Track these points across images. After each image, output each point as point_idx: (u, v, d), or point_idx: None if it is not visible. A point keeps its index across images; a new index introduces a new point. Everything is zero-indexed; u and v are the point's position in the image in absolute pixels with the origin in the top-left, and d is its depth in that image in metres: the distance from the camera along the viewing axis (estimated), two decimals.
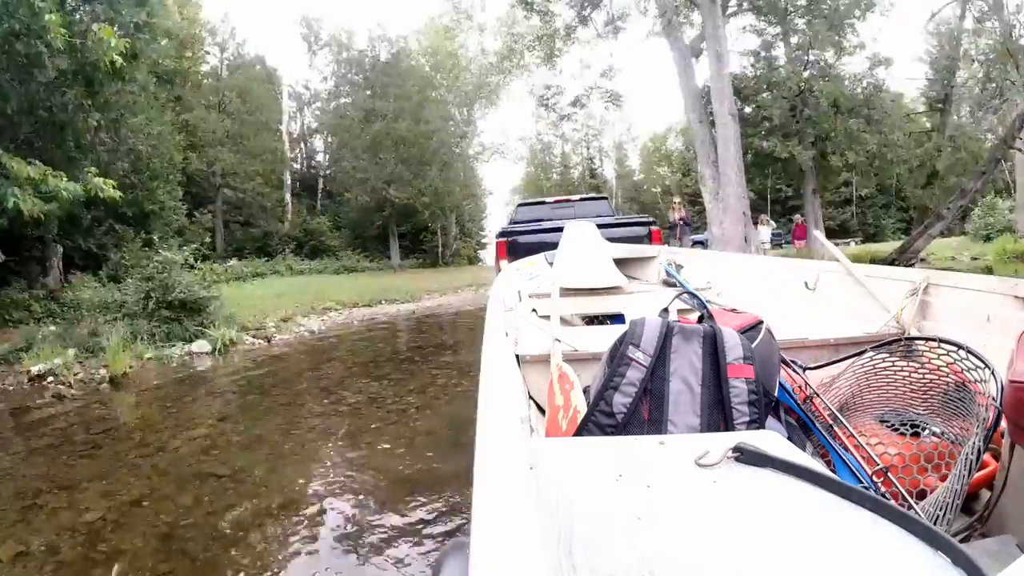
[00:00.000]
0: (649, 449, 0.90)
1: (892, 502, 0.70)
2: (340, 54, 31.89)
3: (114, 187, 8.79)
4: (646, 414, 1.22)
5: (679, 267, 3.88)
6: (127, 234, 15.57)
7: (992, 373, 1.22)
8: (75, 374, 6.56)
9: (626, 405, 1.23)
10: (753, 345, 1.28)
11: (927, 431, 1.22)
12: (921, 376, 1.42)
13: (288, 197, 30.20)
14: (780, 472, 0.78)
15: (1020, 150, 16.44)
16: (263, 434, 4.29)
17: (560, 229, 4.54)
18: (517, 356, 1.65)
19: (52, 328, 8.21)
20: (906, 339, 1.56)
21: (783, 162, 19.34)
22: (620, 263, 3.95)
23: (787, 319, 2.18)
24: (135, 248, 14.08)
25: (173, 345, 8.10)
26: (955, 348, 1.35)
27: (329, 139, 33.29)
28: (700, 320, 1.45)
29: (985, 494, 1.18)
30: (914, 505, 1.12)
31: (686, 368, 1.25)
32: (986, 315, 1.75)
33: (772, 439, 0.91)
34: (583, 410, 1.28)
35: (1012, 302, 1.67)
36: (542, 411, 1.58)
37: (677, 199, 16.49)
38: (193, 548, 2.59)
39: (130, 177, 15.70)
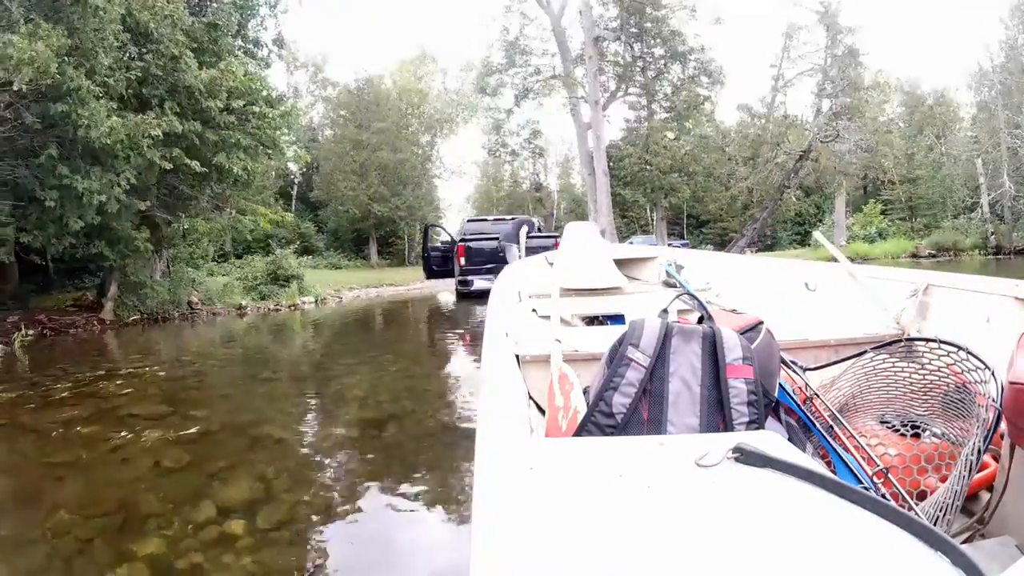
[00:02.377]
0: (649, 449, 0.90)
1: (892, 503, 0.70)
2: (325, 89, 38.93)
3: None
4: (645, 414, 1.22)
5: (679, 267, 3.88)
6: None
7: (992, 374, 1.22)
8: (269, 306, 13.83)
9: (625, 405, 1.23)
10: (753, 346, 1.28)
11: (927, 432, 1.22)
12: (921, 377, 1.42)
13: (292, 208, 35.32)
14: (780, 473, 0.78)
15: (791, 194, 28.22)
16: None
17: (496, 238, 7.32)
18: (517, 356, 1.65)
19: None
20: (906, 340, 1.56)
21: (634, 202, 30.85)
22: (620, 263, 3.95)
23: (787, 320, 2.18)
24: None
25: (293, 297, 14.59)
26: (955, 349, 1.35)
27: (319, 163, 37.46)
28: (700, 321, 1.46)
29: (985, 495, 1.18)
30: (914, 506, 1.12)
31: (685, 368, 1.25)
32: (986, 316, 1.75)
33: (772, 440, 0.91)
34: (583, 411, 1.28)
35: (1012, 303, 1.67)
36: (542, 411, 1.58)
37: None
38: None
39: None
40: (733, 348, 1.25)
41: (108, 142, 8.95)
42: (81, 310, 11.41)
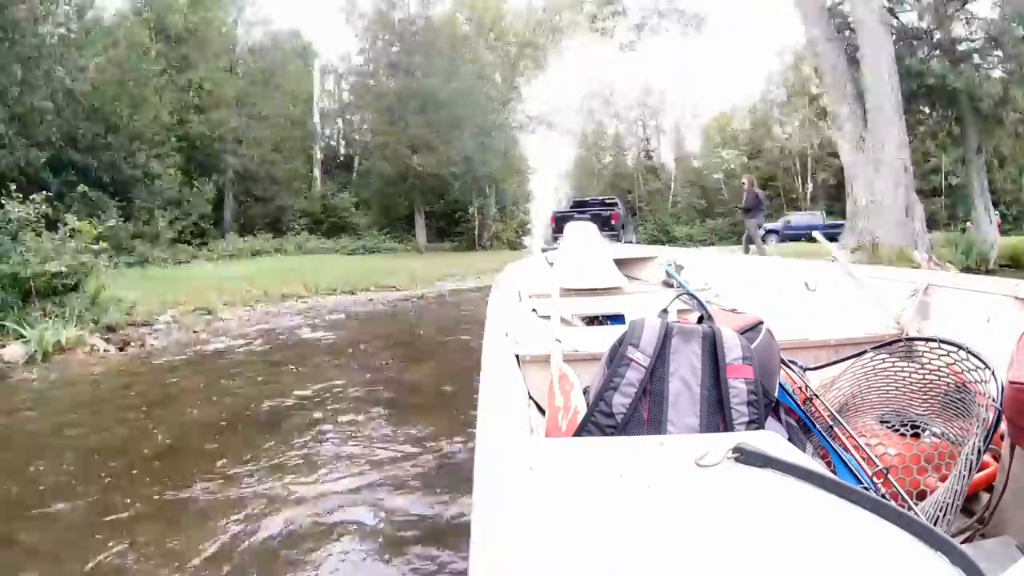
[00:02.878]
0: (649, 449, 0.90)
1: (892, 503, 0.71)
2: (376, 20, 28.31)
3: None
4: (645, 414, 1.22)
5: (679, 268, 3.87)
6: (104, 202, 14.58)
7: (992, 374, 1.22)
8: None
9: (625, 406, 1.23)
10: (753, 346, 1.28)
11: (927, 432, 1.22)
12: (921, 377, 1.42)
13: (317, 172, 27.51)
14: (780, 473, 0.78)
15: None
16: None
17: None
18: (517, 356, 1.65)
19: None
20: (906, 340, 1.56)
21: (946, 100, 13.31)
22: (620, 263, 3.96)
23: (787, 319, 2.19)
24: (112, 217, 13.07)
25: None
26: (955, 349, 1.36)
27: (366, 114, 28.98)
28: (700, 321, 1.45)
29: (985, 495, 1.18)
30: (913, 506, 1.12)
31: (685, 368, 1.25)
32: (986, 316, 1.75)
33: (772, 440, 0.91)
34: (583, 411, 1.28)
35: (1012, 303, 1.68)
36: (542, 411, 1.58)
37: (745, 179, 12.90)
38: None
39: (104, 137, 15.25)
40: (733, 348, 1.25)
41: None
42: None
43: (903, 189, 9.55)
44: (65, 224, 7.48)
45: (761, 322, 1.44)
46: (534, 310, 2.57)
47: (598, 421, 1.23)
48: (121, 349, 6.47)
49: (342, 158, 30.36)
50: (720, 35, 55.78)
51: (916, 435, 1.23)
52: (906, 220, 9.36)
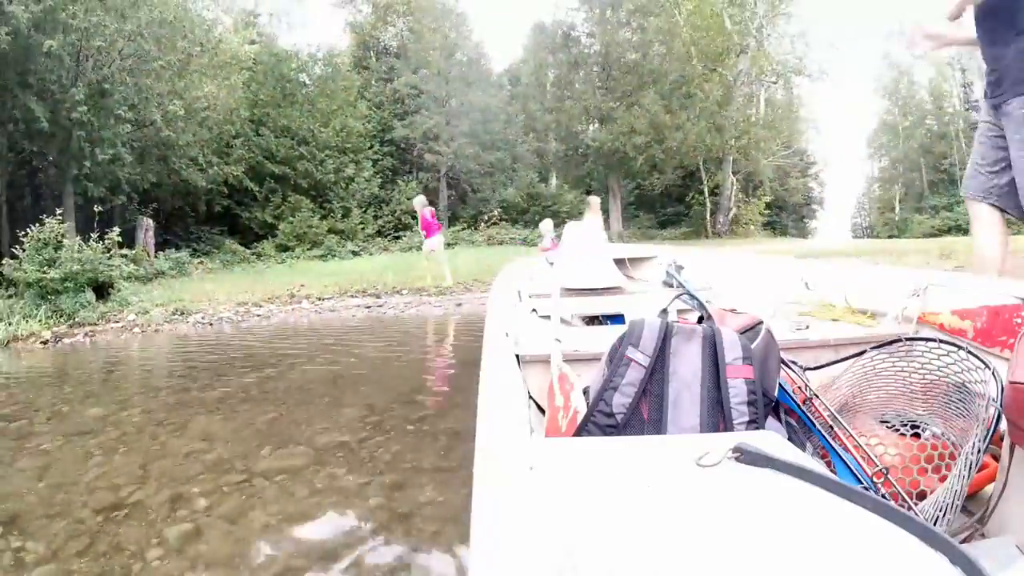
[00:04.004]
0: (649, 449, 0.90)
1: (892, 503, 0.71)
2: None
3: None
4: (646, 414, 1.23)
5: (679, 267, 3.88)
6: (301, 203, 19.36)
7: (992, 373, 1.22)
8: None
9: (625, 406, 1.23)
10: (753, 345, 1.28)
11: (927, 432, 1.22)
12: (921, 377, 1.43)
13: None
14: (780, 472, 0.78)
15: None
16: None
17: None
18: (517, 356, 1.66)
19: None
20: (906, 339, 1.57)
21: None
22: (620, 263, 3.97)
23: (787, 319, 2.19)
24: (305, 217, 18.63)
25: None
26: (955, 349, 1.36)
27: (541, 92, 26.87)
28: (700, 321, 1.45)
29: (985, 495, 1.19)
30: (913, 506, 1.12)
31: (686, 368, 1.25)
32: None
33: (772, 439, 0.92)
34: (583, 411, 1.28)
35: (1012, 303, 1.68)
36: (542, 411, 1.59)
37: None
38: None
39: (296, 150, 19.71)
40: (733, 348, 1.26)
41: None
42: None
43: None
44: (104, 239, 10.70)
45: (761, 322, 1.44)
46: (534, 310, 2.58)
47: (598, 421, 1.24)
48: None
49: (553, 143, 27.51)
50: None
51: (916, 435, 1.23)
52: None
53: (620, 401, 1.24)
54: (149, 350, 7.71)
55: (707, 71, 21.97)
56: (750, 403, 1.20)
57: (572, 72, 24.17)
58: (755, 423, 1.18)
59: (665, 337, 1.28)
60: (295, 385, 4.91)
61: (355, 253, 19.08)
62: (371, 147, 22.30)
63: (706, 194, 23.74)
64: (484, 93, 24.62)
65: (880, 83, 31.54)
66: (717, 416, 1.20)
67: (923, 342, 1.48)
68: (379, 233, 21.14)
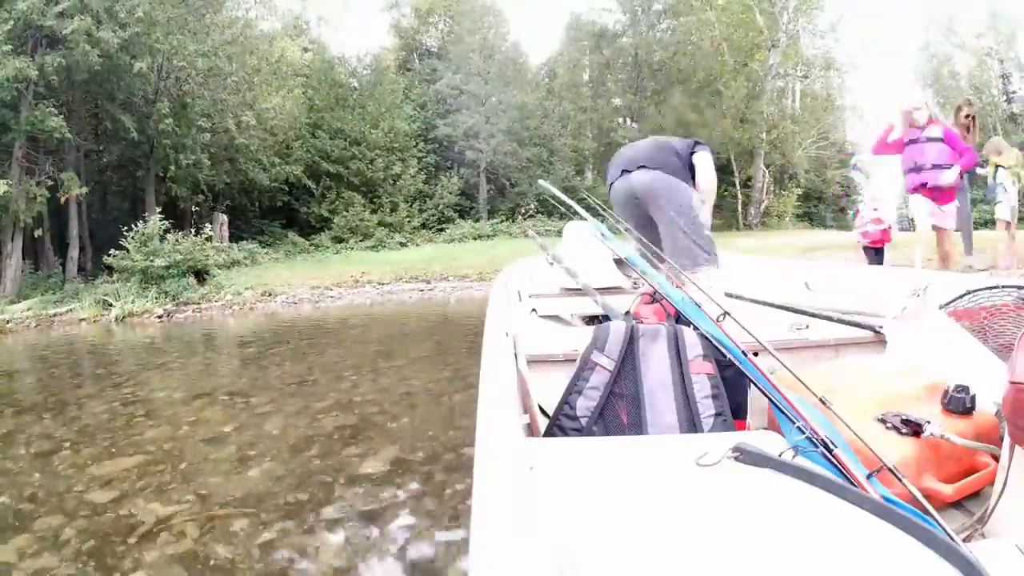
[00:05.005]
0: (649, 449, 0.90)
1: (890, 504, 0.69)
2: None
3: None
4: (624, 417, 1.22)
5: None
6: (352, 199, 21.01)
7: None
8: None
9: (590, 409, 1.23)
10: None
11: (927, 432, 1.15)
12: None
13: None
14: (779, 472, 0.77)
15: None
16: None
17: None
18: (517, 356, 1.62)
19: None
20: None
21: None
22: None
23: (787, 319, 2.15)
24: (357, 211, 20.48)
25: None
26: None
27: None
28: (679, 320, 1.42)
29: (985, 495, 1.13)
30: (913, 507, 1.04)
31: (656, 369, 1.25)
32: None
33: (772, 439, 0.90)
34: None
35: (1011, 303, 1.60)
36: (542, 411, 1.56)
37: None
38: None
39: (348, 150, 21.52)
40: (693, 345, 1.25)
41: None
42: None
43: None
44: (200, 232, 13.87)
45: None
46: (534, 310, 2.51)
47: (563, 424, 1.23)
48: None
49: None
50: None
51: (916, 434, 1.17)
52: None
53: (584, 404, 1.23)
54: (255, 321, 9.99)
55: (737, 66, 22.13)
56: (714, 397, 1.20)
57: (604, 72, 24.83)
58: (721, 415, 1.18)
59: (631, 339, 1.27)
60: (382, 335, 7.75)
61: (403, 244, 20.29)
62: (416, 145, 23.35)
63: (737, 187, 23.40)
64: (521, 91, 24.96)
65: (919, 73, 30.31)
66: (687, 412, 1.19)
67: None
68: (423, 225, 22.15)
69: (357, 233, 20.84)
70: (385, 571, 2.12)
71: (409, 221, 22.09)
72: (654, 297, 1.53)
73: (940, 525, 0.67)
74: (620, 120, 24.30)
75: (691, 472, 0.79)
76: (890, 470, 0.84)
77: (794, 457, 0.82)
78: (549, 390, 1.53)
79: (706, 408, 1.20)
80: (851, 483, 0.81)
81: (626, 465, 0.83)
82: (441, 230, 22.37)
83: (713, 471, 0.79)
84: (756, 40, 22.78)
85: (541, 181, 3.83)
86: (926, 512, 0.70)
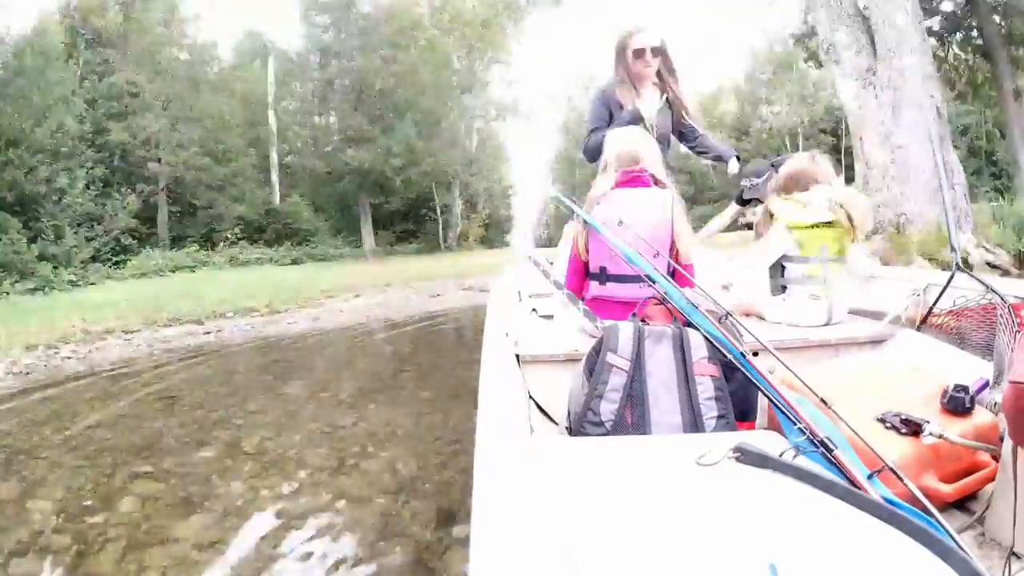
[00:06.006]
0: (649, 449, 0.90)
1: (890, 505, 0.70)
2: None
3: None
4: (629, 418, 1.22)
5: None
6: (5, 223, 14.03)
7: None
8: None
9: (613, 412, 1.23)
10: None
11: (926, 432, 1.15)
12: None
13: (275, 176, 24.67)
14: (779, 473, 0.77)
15: None
16: None
17: None
18: (517, 356, 1.62)
19: None
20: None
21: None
22: None
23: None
24: (13, 239, 13.55)
25: None
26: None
27: (294, 104, 26.33)
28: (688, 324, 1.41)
29: (985, 495, 1.14)
30: (912, 507, 1.04)
31: (661, 370, 1.26)
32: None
33: (772, 439, 0.91)
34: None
35: (1011, 303, 1.60)
36: (542, 411, 1.57)
37: None
38: None
39: (4, 153, 14.62)
40: (698, 347, 1.26)
41: None
42: None
43: (935, 140, 6.12)
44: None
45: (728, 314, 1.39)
46: (534, 310, 2.54)
47: (587, 430, 1.23)
48: None
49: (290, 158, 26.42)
50: (702, 13, 53.52)
51: (916, 434, 1.17)
52: (940, 186, 5.41)
53: (608, 408, 1.23)
54: None
55: (443, 105, 24.54)
56: (717, 399, 1.20)
57: (327, 89, 24.10)
58: (724, 418, 1.19)
59: (639, 340, 1.27)
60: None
61: (74, 283, 14.69)
62: (83, 153, 17.97)
63: (438, 212, 25.74)
64: (216, 96, 22.34)
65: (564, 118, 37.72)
66: (690, 414, 1.20)
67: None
68: (95, 258, 16.93)
69: (12, 271, 13.95)
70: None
71: (77, 252, 16.44)
72: (663, 299, 1.55)
73: (940, 525, 0.68)
74: (345, 142, 23.17)
75: (692, 472, 0.80)
76: (891, 470, 0.85)
77: (794, 457, 0.83)
78: (549, 390, 1.55)
79: (709, 410, 1.22)
80: (851, 483, 0.81)
81: (626, 464, 0.84)
82: (120, 263, 17.50)
83: (714, 471, 0.80)
84: (456, 82, 25.91)
85: (552, 191, 3.68)
86: (926, 512, 0.71)
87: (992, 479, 1.11)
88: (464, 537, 2.23)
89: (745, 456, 0.81)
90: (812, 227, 2.11)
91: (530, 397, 1.52)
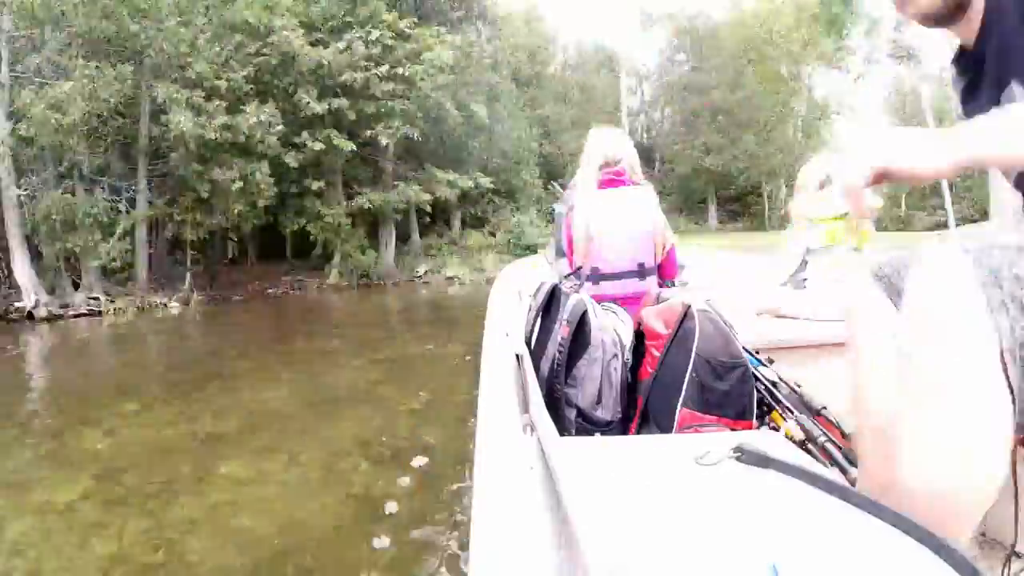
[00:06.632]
0: (649, 448, 0.89)
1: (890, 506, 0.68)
2: (671, 35, 32.69)
3: (487, 178, 17.58)
4: (623, 412, 1.25)
5: (680, 267, 3.67)
6: (500, 202, 22.33)
7: None
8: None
9: (615, 408, 1.26)
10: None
11: None
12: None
13: None
14: (779, 472, 0.76)
15: None
16: None
17: None
18: (517, 356, 1.63)
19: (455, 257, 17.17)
20: None
21: None
22: None
23: (789, 320, 2.18)
24: (504, 213, 21.65)
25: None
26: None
27: (665, 110, 34.09)
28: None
29: None
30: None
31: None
32: None
33: (773, 439, 0.90)
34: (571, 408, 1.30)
35: None
36: (548, 410, 1.52)
37: None
38: None
39: (501, 164, 22.27)
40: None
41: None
42: (310, 276, 15.71)
43: None
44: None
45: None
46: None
47: (591, 426, 1.25)
48: None
49: (658, 155, 33.47)
50: None
51: None
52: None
53: (610, 404, 1.27)
54: None
55: (775, 116, 29.14)
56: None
57: (695, 117, 30.33)
58: (724, 417, 1.20)
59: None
60: None
61: None
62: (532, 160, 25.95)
63: (766, 197, 30.19)
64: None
65: (889, 104, 37.00)
66: (690, 413, 1.22)
67: None
68: None
69: None
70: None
71: None
72: (659, 299, 1.53)
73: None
74: (703, 153, 29.60)
75: (692, 471, 0.78)
76: None
77: (795, 457, 0.82)
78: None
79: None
80: (852, 483, 0.81)
81: (627, 464, 0.82)
82: None
83: (714, 471, 0.78)
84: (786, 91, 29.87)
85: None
86: None
87: None
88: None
89: (745, 456, 0.81)
90: (835, 219, 1.90)
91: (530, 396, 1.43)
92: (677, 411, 1.21)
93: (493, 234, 20.40)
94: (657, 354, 1.30)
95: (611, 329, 1.41)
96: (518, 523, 0.63)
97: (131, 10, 10.28)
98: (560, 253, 2.47)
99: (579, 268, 2.25)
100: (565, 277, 2.21)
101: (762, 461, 0.79)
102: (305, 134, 13.65)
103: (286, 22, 13.09)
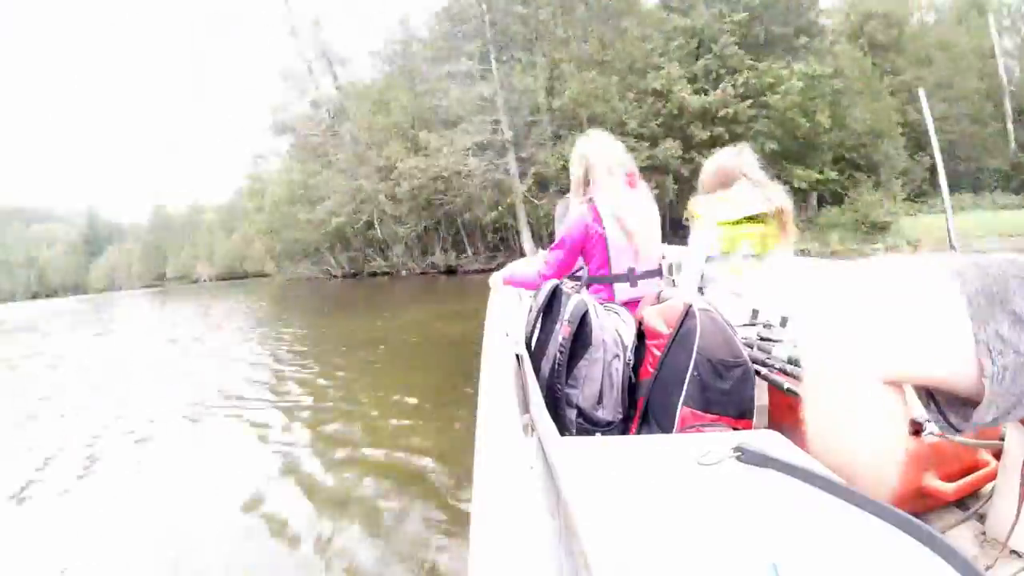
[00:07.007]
0: (649, 448, 0.90)
1: (891, 506, 0.69)
2: None
3: (834, 170, 20.77)
4: (623, 411, 1.27)
5: (680, 267, 3.70)
6: (860, 178, 22.16)
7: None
8: None
9: (616, 408, 1.27)
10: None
11: (927, 430, 1.13)
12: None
13: (1010, 127, 25.73)
14: (780, 472, 0.77)
15: None
16: None
17: None
18: (517, 356, 1.59)
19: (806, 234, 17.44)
20: None
21: None
22: None
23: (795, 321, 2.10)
24: (866, 188, 21.30)
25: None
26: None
27: None
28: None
29: (985, 493, 1.15)
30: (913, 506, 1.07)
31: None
32: None
33: (773, 439, 0.91)
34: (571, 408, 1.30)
35: None
36: (549, 409, 1.49)
37: None
38: None
39: (856, 142, 22.79)
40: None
41: None
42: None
43: None
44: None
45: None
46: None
47: (584, 427, 1.26)
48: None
49: None
50: None
51: (916, 434, 1.14)
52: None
53: (611, 404, 1.28)
54: None
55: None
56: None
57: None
58: (724, 416, 1.21)
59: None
60: None
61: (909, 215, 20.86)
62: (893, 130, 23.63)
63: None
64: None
65: None
66: (690, 412, 1.22)
67: None
68: (908, 199, 22.74)
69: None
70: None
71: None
72: (659, 298, 1.53)
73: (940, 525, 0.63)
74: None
75: (692, 471, 0.79)
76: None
77: (795, 456, 0.83)
78: None
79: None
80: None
81: (626, 464, 0.83)
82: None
83: (714, 470, 0.79)
84: None
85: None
86: (927, 512, 0.68)
87: (993, 478, 1.11)
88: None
89: (746, 456, 0.82)
90: (737, 223, 2.04)
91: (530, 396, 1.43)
92: (678, 410, 1.21)
93: (848, 211, 20.54)
94: (658, 353, 1.29)
95: (612, 329, 1.40)
96: (518, 523, 0.63)
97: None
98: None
99: (580, 269, 2.22)
100: (570, 277, 2.17)
101: (763, 461, 0.80)
102: (693, 152, 19.68)
103: (682, 86, 20.11)
